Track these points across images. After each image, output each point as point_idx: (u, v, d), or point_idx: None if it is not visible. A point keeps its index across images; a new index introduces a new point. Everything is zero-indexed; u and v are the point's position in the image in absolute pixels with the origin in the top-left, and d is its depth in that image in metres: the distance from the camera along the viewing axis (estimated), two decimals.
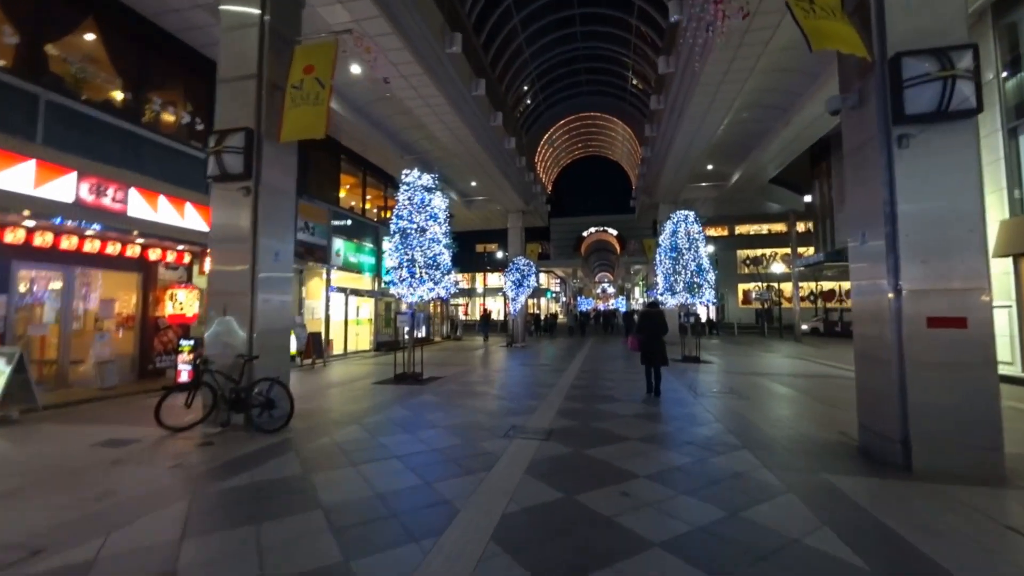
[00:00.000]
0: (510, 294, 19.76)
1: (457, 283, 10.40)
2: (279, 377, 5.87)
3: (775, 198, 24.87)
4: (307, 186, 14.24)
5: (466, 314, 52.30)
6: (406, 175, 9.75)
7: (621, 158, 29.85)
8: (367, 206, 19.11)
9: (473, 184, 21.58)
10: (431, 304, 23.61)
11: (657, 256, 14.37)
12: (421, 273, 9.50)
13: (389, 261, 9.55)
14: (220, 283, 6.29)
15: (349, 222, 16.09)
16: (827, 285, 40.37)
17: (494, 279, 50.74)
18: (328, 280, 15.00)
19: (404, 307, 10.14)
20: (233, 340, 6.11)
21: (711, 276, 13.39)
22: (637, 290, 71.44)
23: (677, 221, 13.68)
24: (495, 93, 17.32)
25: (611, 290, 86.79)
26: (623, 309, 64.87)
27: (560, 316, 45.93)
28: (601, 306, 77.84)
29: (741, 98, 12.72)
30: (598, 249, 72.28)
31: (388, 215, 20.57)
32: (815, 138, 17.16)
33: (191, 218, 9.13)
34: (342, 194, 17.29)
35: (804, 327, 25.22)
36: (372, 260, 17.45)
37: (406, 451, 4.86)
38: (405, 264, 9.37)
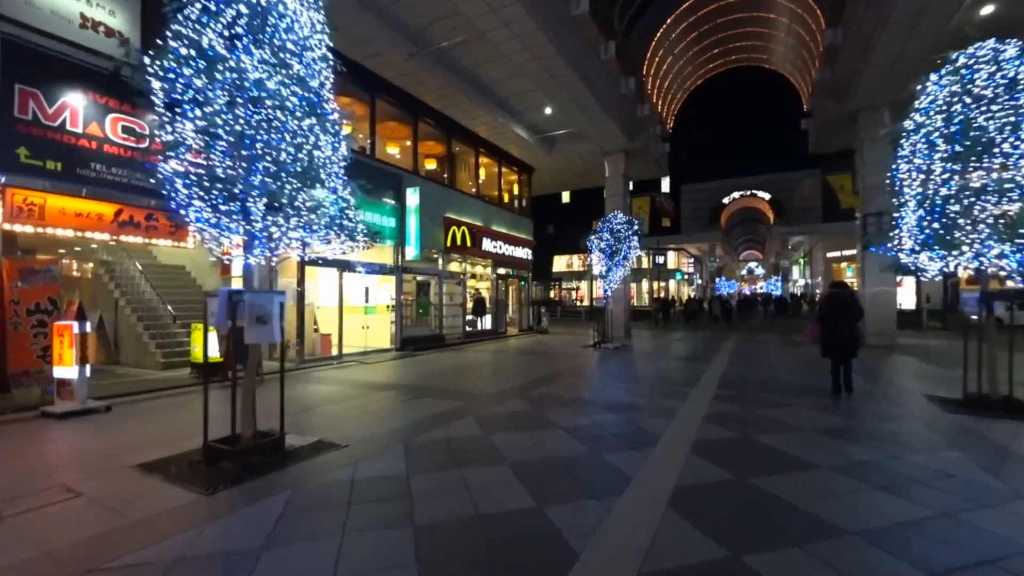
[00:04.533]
0: (598, 268, 12.89)
1: (360, 230, 4.29)
2: None
3: None
4: None
5: (580, 300, 45.64)
6: None
7: (784, 62, 19.81)
8: (385, 145, 13.91)
9: (547, 112, 15.00)
10: (506, 282, 17.60)
11: (900, 164, 6.38)
12: (253, 188, 3.58)
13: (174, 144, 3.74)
14: None
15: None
16: None
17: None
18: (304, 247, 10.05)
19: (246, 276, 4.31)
20: None
21: None
22: (796, 269, 56.48)
23: (972, 66, 5.61)
24: None
25: (760, 270, 72.19)
26: (777, 292, 51.30)
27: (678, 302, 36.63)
28: (746, 289, 64.68)
29: None
30: (744, 220, 58.82)
31: (425, 163, 15.18)
32: None
33: None
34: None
35: None
36: (392, 222, 12.18)
37: None
38: (200, 147, 3.50)
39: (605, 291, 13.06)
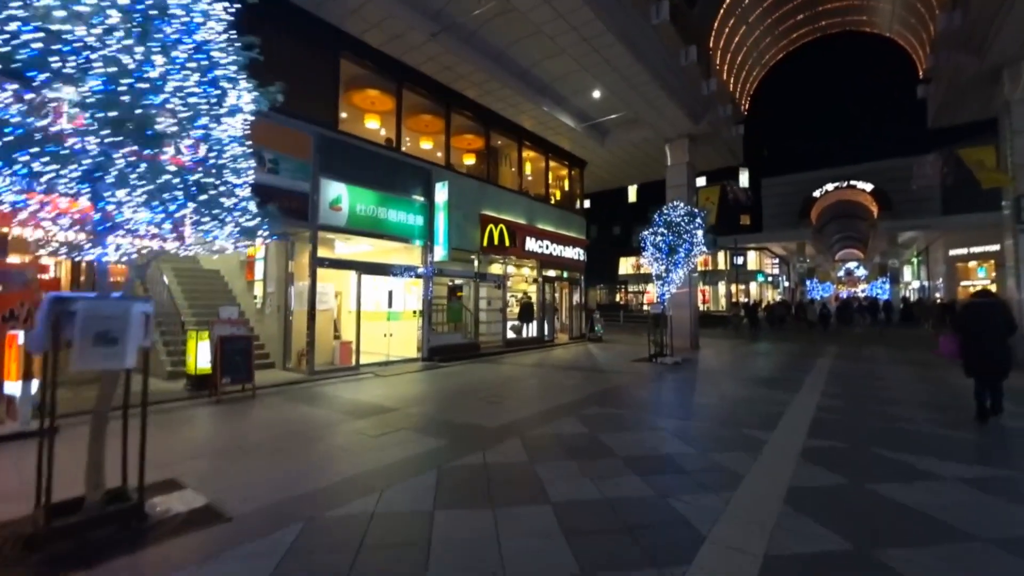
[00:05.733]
0: (653, 266, 10.92)
1: (243, 208, 3.02)
2: None
3: None
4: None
5: (649, 303, 42.62)
6: None
7: (891, 21, 16.11)
8: (415, 139, 12.92)
9: (596, 95, 13.26)
10: (554, 285, 15.77)
11: None
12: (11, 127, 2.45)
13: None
14: None
15: (362, 156, 10.05)
16: None
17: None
18: (314, 247, 9.23)
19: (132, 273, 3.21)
20: None
21: None
22: (908, 271, 48.64)
23: None
24: None
25: (861, 272, 63.82)
26: (884, 296, 44.37)
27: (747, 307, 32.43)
28: (843, 293, 57.42)
29: None
30: (840, 215, 52.06)
31: (463, 157, 14.02)
32: None
33: None
34: (362, 117, 11.52)
35: None
36: (420, 220, 11.12)
37: None
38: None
39: (661, 295, 11.04)
